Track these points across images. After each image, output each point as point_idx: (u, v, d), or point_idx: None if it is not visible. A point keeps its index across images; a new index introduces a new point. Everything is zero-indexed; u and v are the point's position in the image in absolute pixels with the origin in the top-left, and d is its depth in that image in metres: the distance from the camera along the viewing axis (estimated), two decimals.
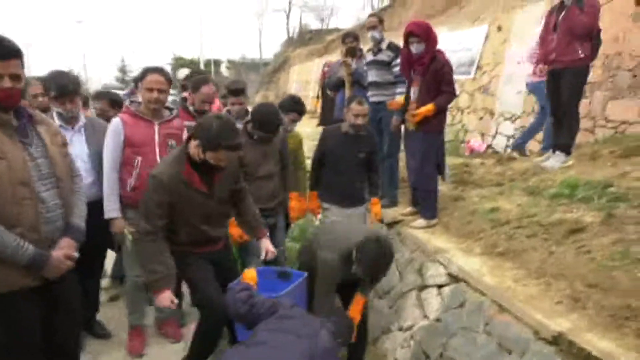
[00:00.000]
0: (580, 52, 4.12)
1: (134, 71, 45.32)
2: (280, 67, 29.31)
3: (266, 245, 2.99)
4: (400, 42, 4.09)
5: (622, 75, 5.83)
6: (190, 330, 3.17)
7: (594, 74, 6.19)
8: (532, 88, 6.17)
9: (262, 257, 2.99)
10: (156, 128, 3.10)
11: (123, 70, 46.29)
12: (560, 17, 4.22)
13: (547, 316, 2.36)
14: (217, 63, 40.00)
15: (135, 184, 3.04)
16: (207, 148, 2.48)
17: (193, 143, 2.54)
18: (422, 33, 3.68)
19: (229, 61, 41.82)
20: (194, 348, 2.89)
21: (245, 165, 3.27)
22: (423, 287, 3.42)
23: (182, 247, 2.73)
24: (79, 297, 2.41)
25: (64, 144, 2.26)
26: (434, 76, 3.72)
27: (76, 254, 2.19)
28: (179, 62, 42.79)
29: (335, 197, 3.83)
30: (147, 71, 3.07)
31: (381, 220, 4.08)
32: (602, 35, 4.46)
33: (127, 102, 3.92)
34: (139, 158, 3.03)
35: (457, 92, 4.58)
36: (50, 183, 2.08)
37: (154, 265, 2.54)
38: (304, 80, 22.05)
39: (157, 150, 3.07)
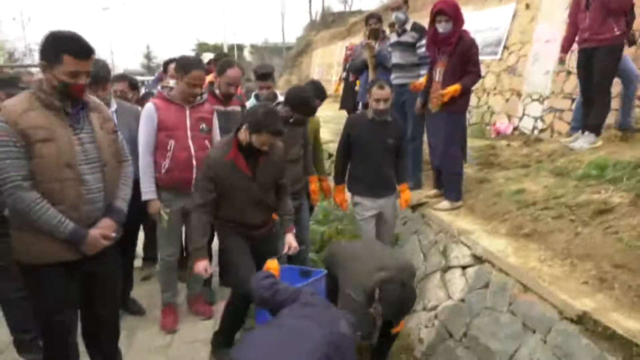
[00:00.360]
0: (615, 28, 4.00)
1: (158, 57, 45.85)
2: (303, 51, 29.16)
3: (289, 241, 3.05)
4: (425, 24, 4.05)
5: None
6: (219, 308, 3.29)
7: (627, 51, 6.01)
8: None
9: (285, 251, 3.05)
10: (187, 112, 3.20)
11: (148, 56, 46.97)
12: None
13: (572, 296, 2.37)
14: (240, 48, 40.09)
15: (169, 166, 3.16)
16: (253, 131, 2.69)
17: (243, 127, 2.77)
18: (451, 11, 3.62)
19: (252, 46, 41.86)
20: (224, 324, 3.09)
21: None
22: (447, 269, 3.45)
23: (226, 224, 2.97)
24: (117, 272, 2.56)
25: (114, 131, 2.39)
26: (461, 57, 3.68)
27: (114, 234, 2.31)
28: (203, 48, 43.03)
29: (365, 188, 3.66)
30: (190, 67, 3.14)
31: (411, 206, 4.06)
32: (636, 10, 4.32)
33: (158, 88, 4.03)
34: (172, 141, 3.14)
35: (483, 73, 4.51)
36: (95, 166, 2.21)
37: (198, 236, 2.83)
38: (327, 63, 21.92)
39: (189, 133, 3.18)
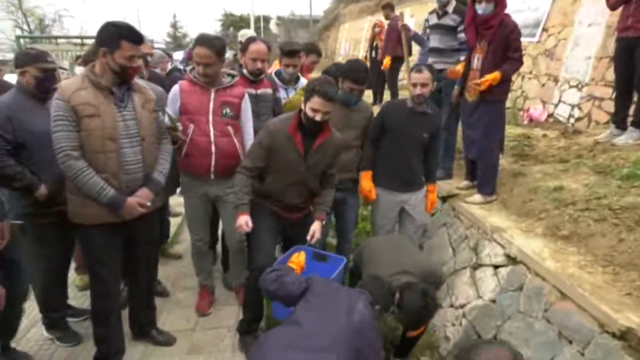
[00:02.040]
0: None
1: (184, 27, 45.69)
2: (330, 25, 28.57)
3: (314, 229, 2.96)
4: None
5: None
6: None
7: None
8: None
9: (308, 238, 2.94)
10: (212, 95, 3.07)
11: (174, 26, 46.71)
12: None
13: (614, 308, 2.25)
14: (267, 19, 39.50)
15: (187, 150, 3.09)
16: (305, 98, 2.73)
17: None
18: None
19: (279, 17, 41.19)
20: (244, 308, 3.15)
21: None
22: (478, 266, 3.35)
23: (262, 199, 2.96)
24: (156, 235, 3.01)
25: (155, 110, 2.66)
26: (502, 42, 3.46)
27: (149, 204, 2.59)
28: (229, 19, 42.69)
29: (393, 180, 3.45)
30: (195, 43, 3.07)
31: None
32: None
33: (185, 68, 3.94)
34: (192, 126, 3.05)
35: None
36: (135, 141, 2.52)
37: (241, 193, 2.85)
38: (354, 39, 21.45)
39: (210, 118, 3.06)
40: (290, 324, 2.18)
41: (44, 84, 2.70)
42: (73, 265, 3.59)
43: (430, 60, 4.39)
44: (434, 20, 4.40)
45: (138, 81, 2.67)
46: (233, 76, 3.22)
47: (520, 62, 3.55)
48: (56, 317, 3.10)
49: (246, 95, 3.23)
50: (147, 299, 3.07)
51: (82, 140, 2.37)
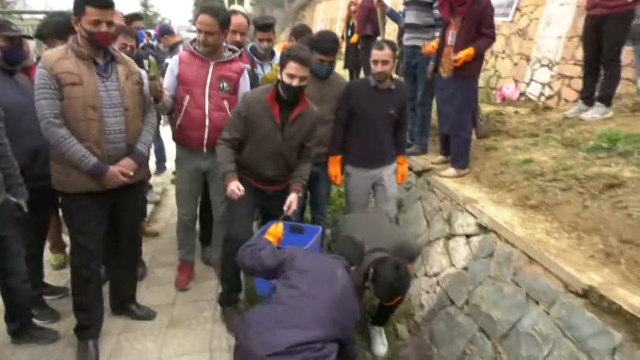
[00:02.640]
0: None
1: (155, 6, 44.40)
2: (305, 4, 28.23)
3: (291, 200, 2.95)
4: None
5: None
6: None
7: None
8: None
9: (285, 208, 2.93)
10: (211, 68, 3.05)
11: (145, 4, 45.38)
12: None
13: (577, 270, 2.37)
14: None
15: (181, 122, 3.08)
16: (281, 65, 2.76)
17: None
18: None
19: None
20: (223, 282, 3.21)
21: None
22: (451, 236, 3.45)
23: (240, 172, 2.94)
24: (139, 207, 3.08)
25: (139, 82, 2.67)
26: (475, 18, 3.52)
27: (131, 173, 2.62)
28: None
29: (363, 159, 3.46)
30: (200, 11, 3.03)
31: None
32: None
33: (158, 45, 3.91)
34: (188, 97, 3.04)
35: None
36: (118, 111, 2.54)
37: (226, 163, 2.88)
38: (330, 18, 21.30)
39: (207, 91, 3.04)
40: (274, 303, 2.20)
41: (10, 55, 2.66)
42: (47, 244, 3.56)
43: (406, 35, 4.43)
44: None
45: (120, 53, 2.67)
46: (234, 51, 3.20)
47: (493, 38, 3.61)
48: (33, 294, 3.08)
49: (245, 71, 3.21)
50: (128, 272, 3.09)
51: (65, 108, 2.39)
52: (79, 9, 2.35)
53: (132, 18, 5.16)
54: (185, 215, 3.42)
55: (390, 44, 3.30)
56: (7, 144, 2.47)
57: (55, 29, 3.12)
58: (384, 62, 3.23)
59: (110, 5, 2.40)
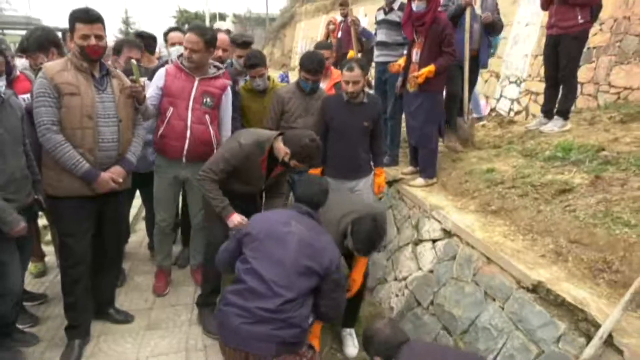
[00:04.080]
0: (580, 17, 4.13)
1: (137, 23, 44.53)
2: (286, 23, 28.74)
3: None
4: None
5: (629, 40, 5.84)
6: None
7: (601, 38, 6.21)
8: None
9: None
10: (195, 83, 3.22)
11: (126, 22, 45.43)
12: None
13: (529, 267, 2.56)
14: (223, 17, 39.16)
15: (163, 132, 3.24)
16: (296, 158, 2.83)
17: (283, 147, 2.86)
18: None
19: (235, 15, 40.93)
20: (204, 282, 3.32)
21: (286, 112, 3.62)
22: (418, 242, 3.63)
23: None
24: (123, 213, 3.25)
25: (130, 96, 2.86)
26: (436, 37, 3.76)
27: (121, 180, 2.81)
28: (184, 16, 41.96)
29: (340, 171, 3.59)
30: (187, 30, 3.26)
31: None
32: None
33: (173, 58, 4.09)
34: (171, 109, 3.20)
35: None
36: (112, 122, 2.73)
37: (220, 197, 2.95)
38: (310, 37, 21.71)
39: (190, 104, 3.20)
40: (241, 289, 2.25)
41: None
42: None
43: (376, 52, 4.69)
44: (381, 16, 4.69)
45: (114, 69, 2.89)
46: (219, 68, 3.38)
47: (453, 56, 3.86)
48: None
49: (228, 88, 3.40)
50: (109, 278, 3.21)
51: (62, 116, 2.58)
52: (70, 26, 2.58)
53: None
54: (162, 222, 3.53)
55: (359, 64, 3.48)
56: (29, 143, 2.67)
57: (37, 43, 3.29)
58: (355, 83, 3.41)
59: (96, 20, 2.59)
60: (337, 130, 3.57)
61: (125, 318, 3.24)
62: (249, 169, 2.96)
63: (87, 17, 2.56)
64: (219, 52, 3.70)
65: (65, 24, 2.76)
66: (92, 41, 2.57)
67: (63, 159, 2.59)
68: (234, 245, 2.47)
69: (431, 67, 3.71)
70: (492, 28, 4.48)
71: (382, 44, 4.66)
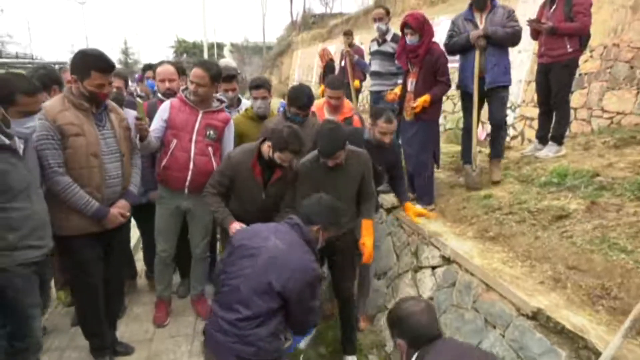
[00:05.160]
0: (568, 46, 4.23)
1: (136, 54, 45.25)
2: (283, 51, 29.26)
3: None
4: None
5: (619, 67, 5.97)
6: None
7: (592, 65, 6.35)
8: None
9: None
10: (199, 116, 3.30)
11: (125, 52, 46.22)
12: (550, 13, 4.34)
13: (528, 294, 2.58)
14: (220, 46, 39.87)
15: (166, 163, 3.29)
16: (276, 149, 2.89)
17: (267, 143, 2.97)
18: (416, 25, 3.76)
19: (232, 44, 41.67)
20: None
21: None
22: (418, 268, 3.65)
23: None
24: (128, 242, 3.23)
25: (128, 128, 2.91)
26: (431, 68, 3.86)
27: (128, 213, 2.88)
28: (182, 45, 42.66)
29: None
30: (194, 65, 3.33)
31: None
32: (601, 26, 4.56)
33: (134, 88, 4.17)
34: (175, 141, 3.26)
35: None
36: (114, 157, 2.77)
37: (221, 209, 3.07)
38: (307, 65, 22.07)
39: (194, 137, 3.28)
40: (223, 287, 2.30)
41: None
42: None
43: (371, 82, 4.80)
44: (374, 47, 4.83)
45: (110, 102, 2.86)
46: (222, 102, 3.47)
47: (448, 85, 3.95)
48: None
49: (231, 121, 3.49)
50: (111, 310, 3.17)
51: (68, 157, 2.59)
52: (83, 72, 2.54)
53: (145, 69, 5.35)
54: (163, 252, 3.54)
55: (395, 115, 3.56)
56: None
57: (41, 82, 3.33)
58: (390, 134, 3.43)
59: (113, 70, 2.65)
60: None
61: (126, 349, 3.23)
62: (245, 180, 3.03)
63: (106, 67, 2.59)
64: (166, 84, 3.80)
65: (62, 57, 2.78)
66: (107, 89, 2.63)
67: (73, 200, 2.61)
68: (226, 255, 2.45)
69: (426, 97, 3.80)
70: (505, 42, 4.06)
71: (376, 74, 4.79)
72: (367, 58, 5.54)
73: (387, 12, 4.95)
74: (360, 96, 9.13)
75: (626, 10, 6.04)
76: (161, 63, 4.09)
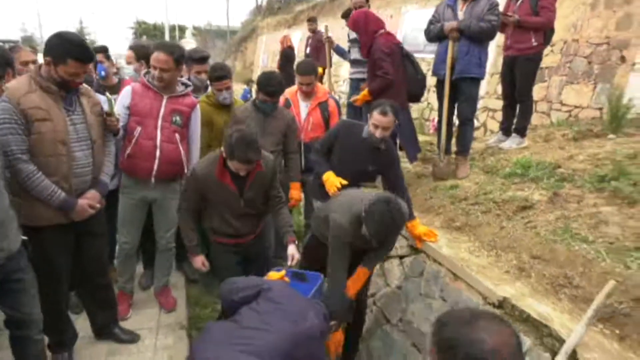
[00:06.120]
0: (533, 40, 4.33)
1: (92, 34, 43.44)
2: (248, 36, 28.69)
3: (292, 252, 3.00)
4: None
5: (577, 62, 6.17)
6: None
7: (553, 59, 6.53)
8: None
9: (289, 262, 2.98)
10: (164, 102, 3.12)
11: (81, 32, 44.18)
12: (517, 6, 4.42)
13: (494, 284, 2.63)
14: (182, 29, 38.80)
15: (130, 152, 3.10)
16: (227, 156, 2.71)
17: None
18: (352, 27, 4.07)
19: (195, 28, 40.60)
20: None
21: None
22: (386, 258, 3.66)
23: (215, 236, 3.04)
24: (104, 227, 2.95)
25: (101, 114, 2.71)
26: (372, 63, 4.00)
27: (98, 205, 2.68)
28: (142, 27, 41.24)
29: (326, 199, 3.24)
30: (154, 48, 3.13)
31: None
32: (562, 22, 4.69)
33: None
34: (139, 128, 3.08)
35: (425, 71, 4.74)
36: (85, 144, 2.57)
37: (191, 234, 3.01)
38: (272, 51, 21.77)
39: (160, 123, 3.10)
40: (231, 321, 2.19)
41: None
42: None
43: (351, 70, 4.82)
44: (353, 35, 4.79)
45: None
46: (187, 85, 3.28)
47: (383, 79, 3.97)
48: None
49: (197, 106, 3.31)
50: (99, 299, 3.08)
51: (33, 143, 2.37)
52: (59, 57, 2.35)
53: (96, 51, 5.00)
54: (126, 244, 3.39)
55: (393, 108, 3.13)
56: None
57: None
58: (385, 129, 3.10)
59: (93, 59, 2.50)
60: (340, 160, 3.30)
61: (132, 338, 3.20)
62: (217, 192, 2.84)
63: (85, 58, 2.41)
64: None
65: (12, 35, 2.55)
66: (79, 79, 2.46)
67: (37, 190, 2.40)
68: (247, 289, 2.35)
69: (365, 92, 4.02)
70: (478, 36, 3.96)
71: (356, 62, 4.82)
72: (345, 45, 5.52)
73: (367, 0, 4.92)
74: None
75: (585, 7, 6.23)
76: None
